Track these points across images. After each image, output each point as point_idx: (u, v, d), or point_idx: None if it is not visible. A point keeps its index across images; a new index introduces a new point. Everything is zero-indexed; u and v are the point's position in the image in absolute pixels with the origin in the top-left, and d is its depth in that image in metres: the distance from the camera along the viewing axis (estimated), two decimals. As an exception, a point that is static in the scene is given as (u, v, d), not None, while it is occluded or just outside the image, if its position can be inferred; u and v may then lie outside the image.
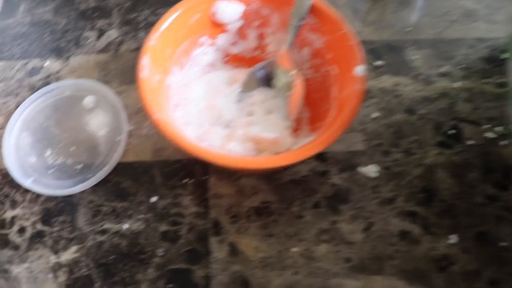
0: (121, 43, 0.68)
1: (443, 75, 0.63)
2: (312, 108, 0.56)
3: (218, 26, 0.57)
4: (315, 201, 0.54)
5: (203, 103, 0.56)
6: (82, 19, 0.71)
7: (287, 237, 0.52)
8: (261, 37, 0.60)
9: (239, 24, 0.57)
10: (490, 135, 0.58)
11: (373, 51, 0.65)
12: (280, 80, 0.56)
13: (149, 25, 0.69)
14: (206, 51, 0.59)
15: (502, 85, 0.62)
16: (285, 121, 0.55)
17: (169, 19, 0.52)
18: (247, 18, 0.57)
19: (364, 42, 0.64)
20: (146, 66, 0.49)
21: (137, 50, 0.67)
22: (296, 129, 0.56)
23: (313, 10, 0.53)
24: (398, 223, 0.53)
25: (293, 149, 0.47)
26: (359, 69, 0.48)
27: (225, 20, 0.56)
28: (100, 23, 0.71)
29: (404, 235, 0.52)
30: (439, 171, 0.56)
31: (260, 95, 0.57)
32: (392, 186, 0.55)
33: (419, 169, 0.56)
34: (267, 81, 0.58)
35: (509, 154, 0.56)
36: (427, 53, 0.65)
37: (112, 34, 0.69)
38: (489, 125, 0.59)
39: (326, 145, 0.44)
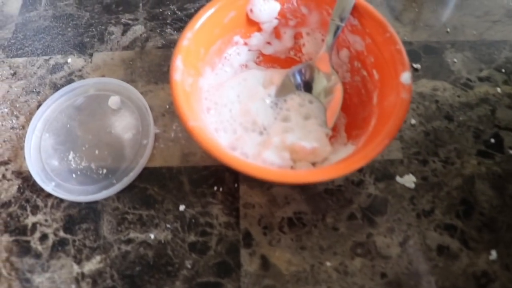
0: (147, 39, 0.65)
1: (484, 79, 0.60)
2: (350, 114, 0.54)
3: (253, 25, 0.55)
4: (350, 212, 0.52)
5: (237, 107, 0.54)
6: (106, 13, 0.69)
7: (320, 250, 0.50)
8: (297, 37, 0.57)
9: (274, 23, 0.55)
10: (533, 144, 0.55)
11: (411, 53, 0.62)
12: (320, 84, 0.54)
13: (176, 21, 0.67)
14: (239, 51, 0.56)
15: (545, 90, 0.59)
16: (323, 128, 0.52)
17: (203, 17, 0.50)
18: (283, 16, 0.55)
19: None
20: (179, 68, 0.47)
21: (164, 47, 0.64)
22: (332, 135, 0.53)
23: (355, 11, 0.50)
24: (436, 237, 0.50)
25: (335, 163, 0.44)
26: (405, 76, 0.45)
27: (262, 19, 0.53)
28: (125, 17, 0.68)
29: (442, 249, 0.50)
30: (479, 182, 0.53)
31: (296, 99, 0.54)
32: (430, 197, 0.52)
33: (458, 179, 0.53)
34: (304, 84, 0.55)
35: (555, 166, 0.54)
36: (467, 56, 0.62)
37: (138, 29, 0.66)
38: (532, 134, 0.56)
39: (369, 160, 0.42)
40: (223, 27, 0.52)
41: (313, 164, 0.50)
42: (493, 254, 0.49)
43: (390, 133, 0.43)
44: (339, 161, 0.44)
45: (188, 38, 0.48)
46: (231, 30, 0.53)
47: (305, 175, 0.43)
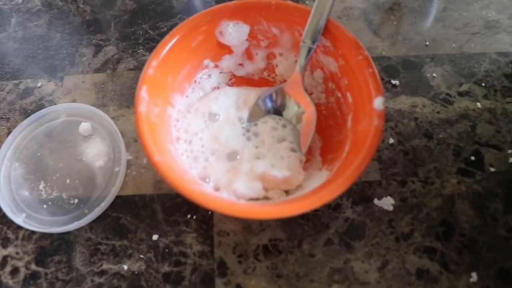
0: (119, 61, 0.64)
1: (464, 94, 0.59)
2: (325, 137, 0.53)
3: (223, 47, 0.53)
4: (327, 237, 0.51)
5: (207, 134, 0.52)
6: (77, 33, 0.67)
7: (297, 278, 0.49)
8: (270, 57, 0.56)
9: (246, 44, 0.53)
10: (514, 160, 0.54)
11: (389, 68, 0.61)
12: (291, 110, 0.53)
13: (149, 41, 0.66)
14: (210, 73, 0.55)
15: (526, 104, 0.58)
16: (297, 153, 0.51)
17: (169, 44, 0.48)
18: (255, 38, 0.53)
19: (380, 58, 0.61)
20: (145, 98, 0.45)
21: (136, 69, 0.63)
22: (307, 159, 0.52)
23: (327, 32, 0.48)
24: (415, 261, 0.49)
25: (306, 193, 0.43)
26: (378, 101, 0.44)
27: (231, 42, 0.52)
28: (97, 38, 0.67)
29: (421, 273, 0.49)
30: (459, 202, 0.52)
31: (270, 122, 0.53)
32: (409, 219, 0.52)
33: (438, 200, 0.53)
34: (274, 111, 0.54)
35: (536, 183, 0.53)
36: (447, 70, 0.61)
37: (110, 50, 0.65)
38: (512, 150, 0.55)
39: (341, 191, 0.41)
40: (191, 51, 0.51)
41: (287, 192, 0.49)
42: (474, 276, 0.48)
43: (363, 162, 0.41)
44: (311, 192, 0.42)
45: (154, 66, 0.47)
46: (200, 54, 0.52)
47: (274, 211, 0.42)
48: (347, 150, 0.46)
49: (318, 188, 0.43)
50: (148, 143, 0.43)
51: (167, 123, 0.50)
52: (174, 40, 0.48)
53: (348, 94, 0.49)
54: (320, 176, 0.47)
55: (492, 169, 0.54)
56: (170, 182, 0.42)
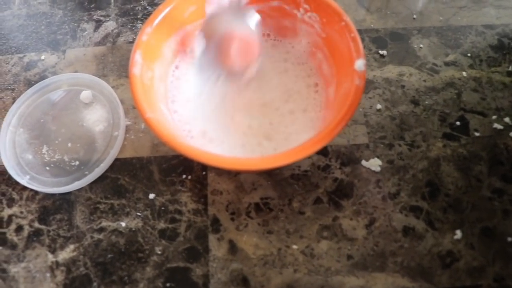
0: (118, 34, 0.67)
1: (450, 64, 0.61)
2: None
3: None
4: (317, 196, 0.53)
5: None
6: (79, 10, 0.70)
7: (287, 234, 0.51)
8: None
9: None
10: (498, 126, 0.56)
11: (378, 39, 0.63)
12: None
13: (147, 16, 0.68)
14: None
15: (511, 73, 0.60)
16: None
17: (162, 13, 0.50)
18: None
19: (368, 31, 0.63)
20: (138, 62, 0.48)
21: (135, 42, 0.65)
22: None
23: (311, 2, 0.51)
24: (401, 219, 0.51)
25: (288, 150, 0.45)
26: (359, 63, 0.46)
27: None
28: (97, 14, 0.69)
29: (407, 231, 0.51)
30: (444, 165, 0.54)
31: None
32: (396, 180, 0.53)
33: (424, 162, 0.54)
34: None
35: (517, 146, 0.55)
36: (434, 41, 0.63)
37: (110, 25, 0.68)
38: (496, 116, 0.57)
39: (323, 144, 0.42)
40: (183, 21, 0.53)
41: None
42: (458, 234, 0.50)
43: (344, 119, 0.43)
44: (293, 149, 0.44)
45: (147, 33, 0.49)
46: (192, 24, 0.54)
47: (257, 163, 0.44)
48: (333, 112, 0.48)
49: (301, 145, 0.45)
50: (140, 101, 0.45)
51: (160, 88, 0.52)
52: (167, 10, 0.50)
53: (332, 60, 0.51)
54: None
55: (477, 134, 0.56)
56: (160, 137, 0.44)
